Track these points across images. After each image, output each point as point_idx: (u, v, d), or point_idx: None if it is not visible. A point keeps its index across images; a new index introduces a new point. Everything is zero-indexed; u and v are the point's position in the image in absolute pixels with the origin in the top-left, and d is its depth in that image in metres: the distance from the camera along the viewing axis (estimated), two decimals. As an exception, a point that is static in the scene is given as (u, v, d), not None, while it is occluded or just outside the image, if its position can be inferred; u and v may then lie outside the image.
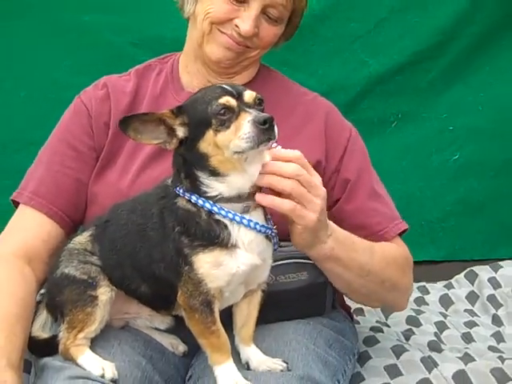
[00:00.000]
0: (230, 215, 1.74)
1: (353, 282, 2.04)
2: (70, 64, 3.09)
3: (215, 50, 2.12)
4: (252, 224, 1.76)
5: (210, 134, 1.71)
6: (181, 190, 1.78)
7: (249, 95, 1.74)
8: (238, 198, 1.75)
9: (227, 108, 1.70)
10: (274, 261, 1.91)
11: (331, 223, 1.92)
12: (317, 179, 1.81)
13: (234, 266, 1.75)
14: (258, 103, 1.74)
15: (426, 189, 3.32)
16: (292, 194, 1.76)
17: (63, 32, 3.07)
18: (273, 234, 1.83)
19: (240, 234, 1.76)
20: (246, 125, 1.67)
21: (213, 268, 1.74)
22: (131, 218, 1.90)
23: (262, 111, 1.74)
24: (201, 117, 1.72)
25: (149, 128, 1.75)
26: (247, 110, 1.70)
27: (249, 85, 2.18)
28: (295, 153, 1.77)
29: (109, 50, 3.08)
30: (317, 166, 2.12)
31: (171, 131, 1.76)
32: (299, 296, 2.06)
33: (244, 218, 1.75)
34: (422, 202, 3.33)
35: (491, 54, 3.26)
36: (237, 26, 2.07)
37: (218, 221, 1.75)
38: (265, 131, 1.66)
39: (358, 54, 3.20)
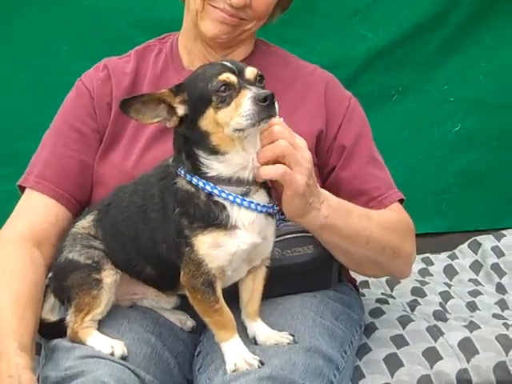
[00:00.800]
0: (231, 197, 1.75)
1: (353, 251, 2.03)
2: (69, 49, 3.08)
3: (209, 26, 2.12)
4: (253, 205, 1.77)
5: (210, 111, 1.71)
6: (182, 171, 1.79)
7: (250, 72, 1.74)
8: (239, 182, 1.76)
9: (227, 85, 1.70)
10: (280, 235, 1.93)
11: (323, 190, 1.91)
12: (300, 141, 1.80)
13: (233, 245, 1.76)
14: (259, 80, 1.74)
15: (428, 161, 3.32)
16: (284, 155, 1.74)
17: (62, 17, 3.06)
18: (275, 212, 1.84)
19: (240, 216, 1.76)
20: (246, 102, 1.67)
21: (212, 248, 1.76)
22: (133, 200, 1.91)
23: (263, 88, 1.74)
24: (201, 94, 1.72)
25: (150, 108, 1.76)
26: (248, 86, 1.69)
27: (247, 60, 2.20)
28: (275, 118, 1.76)
29: (108, 33, 3.07)
30: (319, 137, 2.15)
31: (171, 109, 1.77)
32: (306, 270, 2.07)
33: (244, 200, 1.76)
34: (424, 174, 3.33)
35: (490, 24, 3.24)
36: None
37: (217, 202, 1.76)
38: (265, 108, 1.66)
39: (358, 29, 3.19)
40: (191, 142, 1.77)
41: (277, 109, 1.70)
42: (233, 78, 1.71)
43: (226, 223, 1.76)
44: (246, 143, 1.74)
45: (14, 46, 3.08)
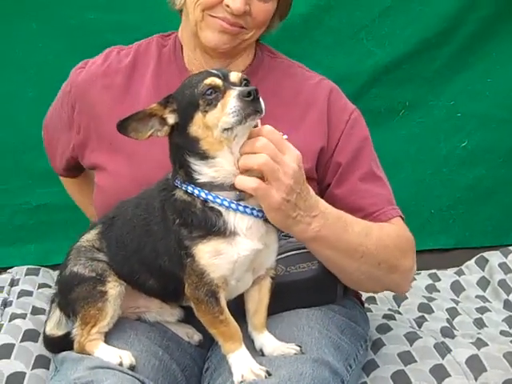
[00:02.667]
0: (226, 203, 1.75)
1: (346, 265, 1.99)
2: (75, 64, 3.09)
3: (210, 36, 2.12)
4: (248, 210, 1.77)
5: (198, 115, 1.74)
6: (178, 182, 1.81)
7: (234, 75, 1.77)
8: (232, 187, 1.76)
9: (213, 87, 1.73)
10: (284, 252, 1.93)
11: (322, 203, 1.89)
12: (288, 157, 1.77)
13: (234, 253, 1.76)
14: (245, 83, 1.77)
15: (435, 177, 3.31)
16: (263, 171, 1.74)
17: (68, 31, 3.07)
18: None
19: (237, 221, 1.77)
20: (231, 100, 1.69)
21: (213, 258, 1.75)
22: (136, 213, 1.93)
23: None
24: (188, 100, 1.76)
25: (144, 123, 1.80)
26: (233, 87, 1.72)
27: (248, 73, 2.15)
28: (266, 127, 1.77)
29: (114, 49, 3.09)
30: (320, 152, 2.13)
31: (163, 120, 1.80)
32: (310, 286, 2.06)
33: (240, 204, 1.76)
34: (431, 190, 3.32)
35: (497, 39, 3.24)
36: (227, 5, 2.06)
37: (212, 209, 1.76)
38: (250, 103, 1.68)
39: (364, 44, 3.19)
40: (183, 149, 1.79)
41: (262, 104, 1.70)
42: (218, 81, 1.74)
43: (225, 230, 1.76)
44: (235, 145, 1.74)
45: (22, 60, 3.09)
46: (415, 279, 3.01)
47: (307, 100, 2.19)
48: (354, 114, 2.21)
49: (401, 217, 2.16)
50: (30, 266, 2.89)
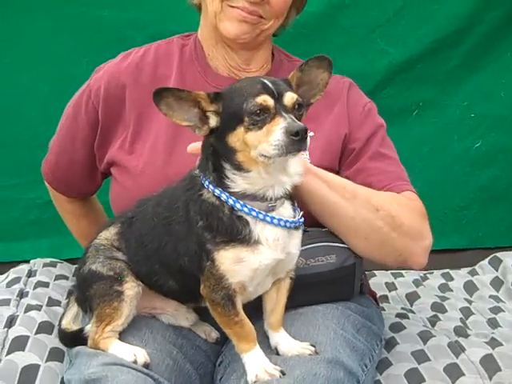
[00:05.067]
0: (254, 213, 1.74)
1: (340, 206, 2.00)
2: (89, 60, 3.09)
3: (229, 27, 2.13)
4: (276, 221, 1.76)
5: (240, 130, 1.69)
6: (206, 182, 1.78)
7: (289, 98, 1.69)
8: (263, 198, 1.75)
9: (263, 109, 1.66)
10: (304, 245, 1.92)
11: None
12: None
13: (255, 261, 1.76)
14: (298, 108, 1.70)
15: (449, 177, 3.31)
16: None
17: (83, 28, 3.08)
18: (300, 224, 1.83)
19: (264, 232, 1.75)
20: (277, 131, 1.64)
21: (234, 264, 1.75)
22: (157, 212, 1.90)
23: (301, 116, 1.71)
24: (235, 111, 1.70)
25: (183, 107, 1.73)
26: (283, 114, 1.65)
27: (270, 74, 2.22)
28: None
29: (128, 45, 3.03)
30: (344, 139, 2.21)
31: (204, 117, 1.74)
32: (328, 279, 2.06)
33: (268, 215, 1.75)
34: (444, 190, 3.31)
35: (512, 40, 3.24)
36: None
37: (240, 217, 1.75)
38: (295, 142, 1.63)
39: (378, 43, 3.19)
40: (219, 154, 1.75)
41: (308, 143, 1.66)
42: (270, 102, 1.67)
43: (249, 239, 1.74)
44: (271, 167, 1.72)
45: (36, 56, 3.11)
46: (428, 278, 3.01)
47: (331, 96, 2.20)
48: (367, 105, 2.29)
49: (413, 192, 2.17)
50: (49, 259, 2.89)
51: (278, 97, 1.68)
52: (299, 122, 1.66)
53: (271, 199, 1.76)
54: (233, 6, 2.11)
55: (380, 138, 2.24)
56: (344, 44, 3.17)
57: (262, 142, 1.66)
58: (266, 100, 1.67)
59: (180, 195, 1.85)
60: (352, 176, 2.13)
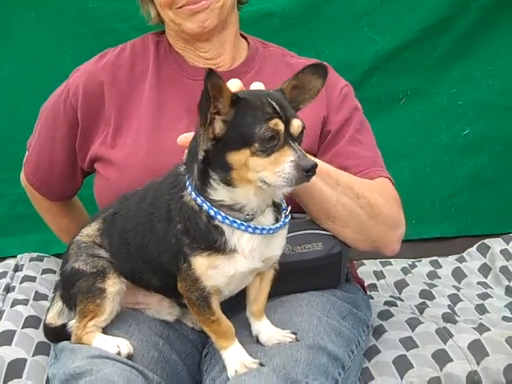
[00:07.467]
0: (235, 225, 1.71)
1: (325, 193, 1.99)
2: (74, 53, 3.08)
3: (190, 25, 2.17)
4: (253, 230, 1.73)
5: (246, 152, 1.62)
6: (190, 187, 1.75)
7: (296, 125, 1.65)
8: (241, 210, 1.72)
9: (275, 134, 1.61)
10: (290, 232, 1.91)
11: None
12: None
13: (231, 269, 1.75)
14: (300, 132, 1.67)
15: (436, 165, 3.30)
16: None
17: (67, 20, 3.06)
18: (283, 226, 1.81)
19: (241, 242, 1.73)
20: (287, 164, 1.60)
21: (209, 269, 1.75)
22: (141, 208, 1.89)
23: (301, 142, 1.68)
24: (245, 131, 1.62)
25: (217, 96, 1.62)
26: (292, 145, 1.62)
27: (245, 63, 2.26)
28: None
29: (113, 37, 3.03)
30: (323, 122, 2.22)
31: (212, 115, 1.64)
32: (314, 267, 2.06)
33: (249, 226, 1.72)
34: (432, 178, 3.30)
35: (500, 27, 3.21)
36: None
37: (216, 226, 1.73)
38: (305, 177, 1.61)
39: (365, 32, 3.17)
40: (211, 162, 1.69)
41: (315, 176, 1.65)
42: (281, 127, 1.62)
43: (225, 248, 1.74)
44: (264, 192, 1.70)
45: (21, 50, 3.08)
46: (416, 266, 3.01)
47: None
48: (344, 89, 2.29)
49: (389, 179, 2.19)
50: (36, 253, 2.89)
51: (286, 122, 1.64)
52: (309, 157, 1.63)
53: (249, 211, 1.73)
54: (180, 7, 2.15)
55: (357, 121, 2.25)
56: (330, 33, 3.16)
57: (267, 169, 1.62)
58: (278, 124, 1.62)
59: (164, 193, 1.82)
60: (329, 160, 2.12)
